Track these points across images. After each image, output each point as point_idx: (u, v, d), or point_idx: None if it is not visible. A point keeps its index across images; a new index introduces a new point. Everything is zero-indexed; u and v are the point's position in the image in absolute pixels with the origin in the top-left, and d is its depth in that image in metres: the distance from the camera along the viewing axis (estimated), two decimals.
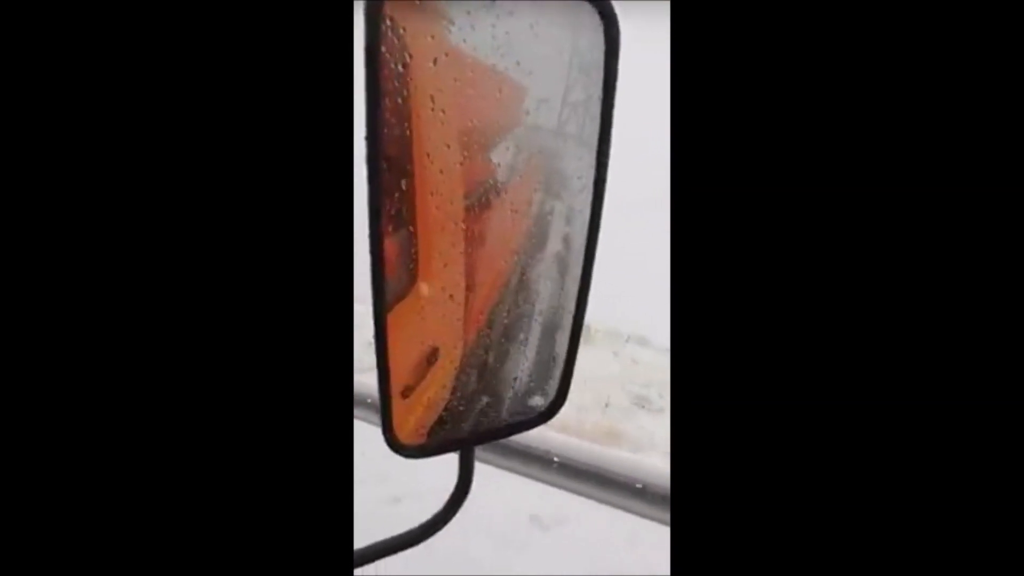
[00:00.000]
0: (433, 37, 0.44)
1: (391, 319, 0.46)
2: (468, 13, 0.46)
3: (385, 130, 0.40)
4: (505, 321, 0.65)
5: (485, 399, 0.64)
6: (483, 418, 0.63)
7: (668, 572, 0.48)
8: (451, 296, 0.54)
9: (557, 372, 0.66)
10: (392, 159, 0.42)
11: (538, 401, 0.67)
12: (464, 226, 0.53)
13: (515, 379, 0.67)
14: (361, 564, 0.56)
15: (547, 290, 0.66)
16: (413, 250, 0.48)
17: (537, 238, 0.65)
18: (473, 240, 0.54)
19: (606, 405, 3.90)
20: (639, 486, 2.36)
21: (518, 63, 0.52)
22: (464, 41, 0.46)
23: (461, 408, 0.60)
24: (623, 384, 4.23)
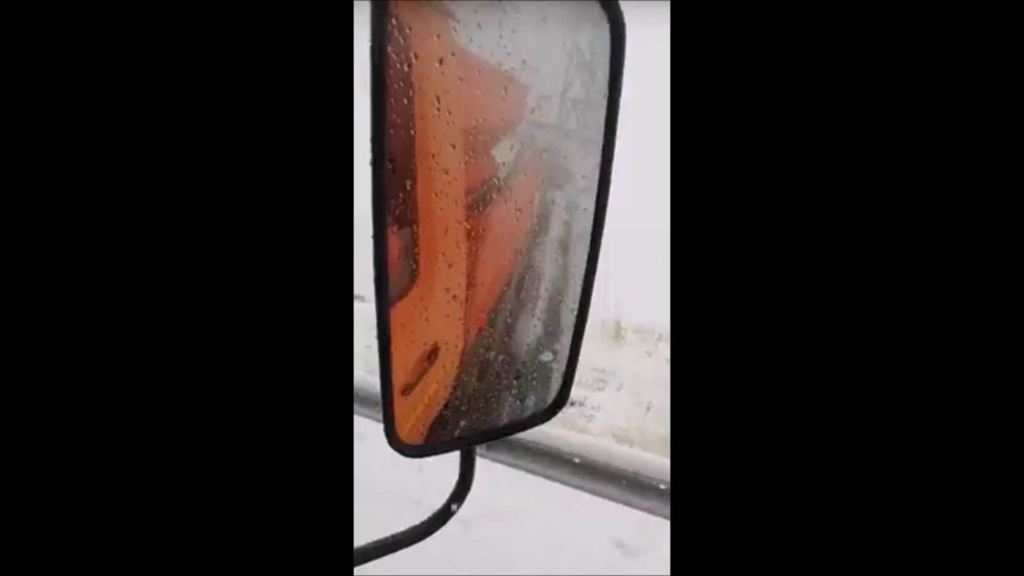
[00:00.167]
0: (439, 36, 0.44)
1: (393, 317, 0.46)
2: (474, 12, 0.46)
3: (391, 131, 0.40)
4: (507, 319, 0.65)
5: (486, 398, 0.64)
6: (484, 417, 0.63)
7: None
8: (454, 296, 0.54)
9: (559, 371, 0.66)
10: (397, 160, 0.42)
11: (540, 400, 0.67)
12: (467, 225, 0.53)
13: (517, 378, 0.67)
14: (364, 561, 0.57)
15: (550, 288, 0.66)
16: (416, 249, 0.48)
17: (540, 236, 0.65)
18: (476, 239, 0.54)
19: (648, 408, 3.81)
20: None
21: (524, 61, 0.52)
22: (470, 40, 0.46)
23: (462, 407, 0.60)
24: (662, 385, 4.08)
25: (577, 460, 2.25)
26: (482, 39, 0.47)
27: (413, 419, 0.54)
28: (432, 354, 0.57)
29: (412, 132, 0.42)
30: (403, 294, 0.48)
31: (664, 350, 4.52)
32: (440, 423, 0.58)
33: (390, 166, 0.41)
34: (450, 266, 0.52)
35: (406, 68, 0.41)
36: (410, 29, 0.40)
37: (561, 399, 0.68)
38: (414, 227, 0.46)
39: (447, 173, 0.47)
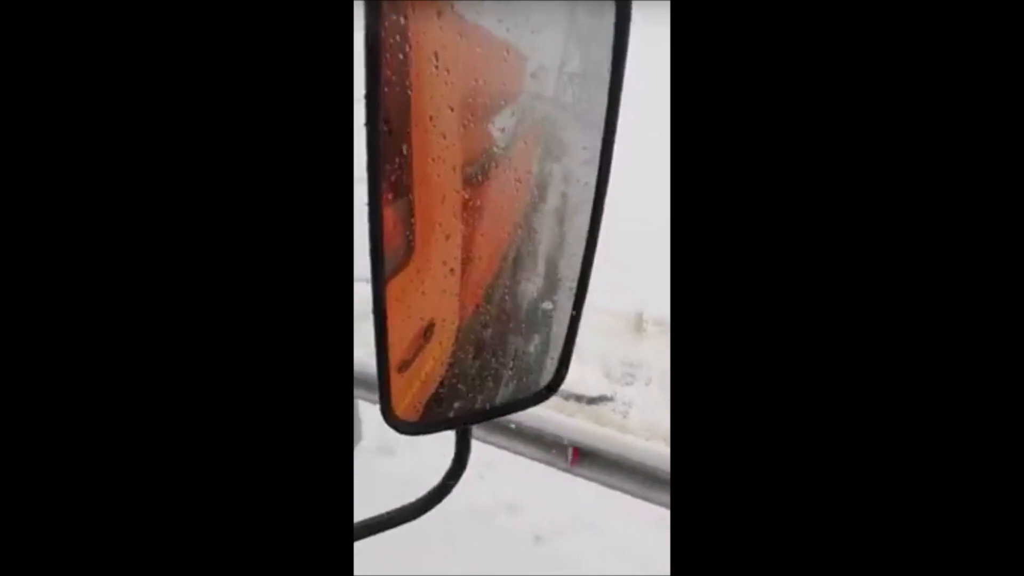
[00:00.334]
0: None
1: (389, 291, 0.44)
2: None
3: (385, 89, 0.38)
4: (504, 296, 0.64)
5: (482, 376, 0.62)
6: (481, 396, 0.61)
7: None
8: (451, 269, 0.52)
9: (557, 350, 0.64)
10: (392, 121, 0.40)
11: (537, 379, 0.66)
12: (465, 194, 0.50)
13: (514, 356, 0.65)
14: (361, 537, 0.55)
15: (549, 265, 0.65)
16: (412, 219, 0.45)
17: (539, 212, 0.63)
18: (473, 209, 0.52)
19: None
20: None
21: (527, 22, 0.50)
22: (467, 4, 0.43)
23: (459, 385, 0.58)
24: None
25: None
26: (480, 6, 0.45)
27: (409, 396, 0.52)
28: (428, 330, 0.55)
29: (409, 91, 0.40)
30: (400, 267, 0.46)
31: None
32: (436, 401, 0.56)
33: (385, 128, 0.39)
34: (447, 238, 0.50)
35: (402, 20, 0.38)
36: None
37: (557, 380, 0.67)
38: (410, 195, 0.44)
39: (445, 138, 0.45)
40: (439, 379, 0.58)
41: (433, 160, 0.44)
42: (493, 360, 0.63)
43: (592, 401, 2.76)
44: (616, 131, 0.58)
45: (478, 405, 0.62)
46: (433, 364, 0.57)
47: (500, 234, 0.60)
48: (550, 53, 0.55)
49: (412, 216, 0.45)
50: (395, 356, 0.47)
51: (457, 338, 0.58)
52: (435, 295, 0.52)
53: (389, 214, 0.42)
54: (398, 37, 0.38)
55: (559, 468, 2.46)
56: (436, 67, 0.41)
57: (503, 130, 0.55)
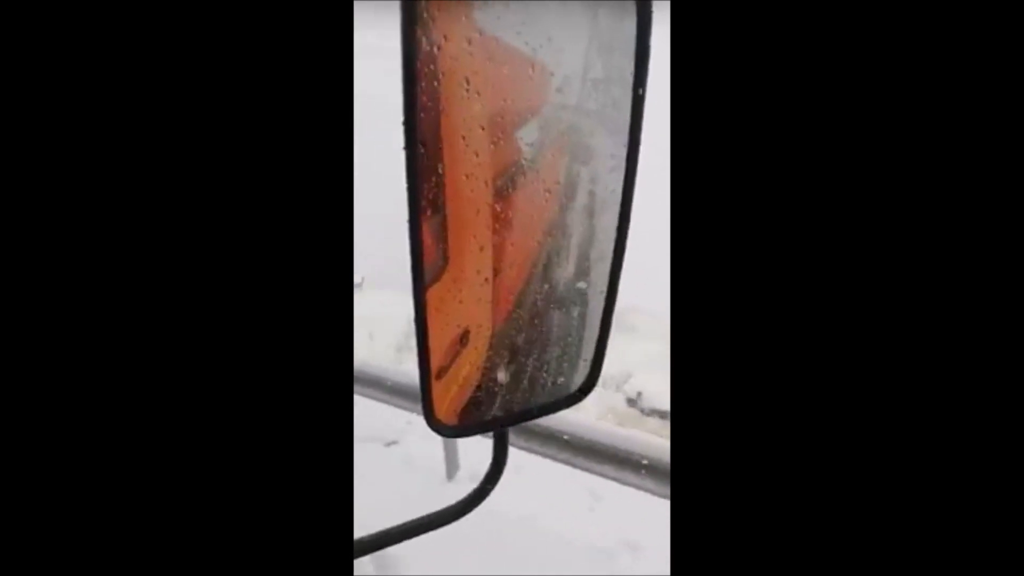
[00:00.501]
0: (467, 17, 0.44)
1: (429, 300, 0.46)
2: None
3: (421, 114, 0.41)
4: (536, 302, 0.66)
5: (517, 380, 0.64)
6: (516, 398, 0.64)
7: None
8: (485, 278, 0.54)
9: (589, 353, 0.66)
10: (428, 143, 0.43)
11: (570, 382, 0.68)
12: (497, 207, 0.53)
13: (547, 360, 0.67)
14: (400, 540, 0.58)
15: (578, 271, 0.66)
16: (448, 232, 0.48)
17: (568, 220, 0.65)
18: (505, 220, 0.54)
19: None
20: None
21: (548, 41, 0.52)
22: (497, 19, 0.46)
23: (495, 388, 0.61)
24: None
25: None
26: (509, 18, 0.47)
27: (448, 400, 0.55)
28: (464, 337, 0.57)
29: (442, 114, 0.43)
30: (437, 277, 0.49)
31: None
32: (474, 404, 0.59)
33: (422, 149, 0.42)
34: (481, 249, 0.52)
35: (435, 50, 0.41)
36: (438, 11, 0.41)
37: (590, 382, 0.68)
38: (446, 210, 0.47)
39: (477, 155, 0.48)
40: (475, 384, 0.60)
41: (467, 177, 0.47)
42: (527, 364, 0.65)
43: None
44: (641, 133, 0.59)
45: (514, 408, 0.64)
46: (469, 369, 0.59)
47: (531, 243, 0.62)
48: (573, 63, 0.57)
49: (448, 229, 0.48)
50: (435, 362, 0.50)
51: (491, 344, 0.61)
52: (471, 303, 0.54)
53: (427, 228, 0.45)
54: (432, 66, 0.40)
55: (664, 496, 2.16)
56: (467, 91, 0.44)
57: (531, 144, 0.57)
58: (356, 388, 2.75)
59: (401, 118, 0.40)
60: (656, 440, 2.19)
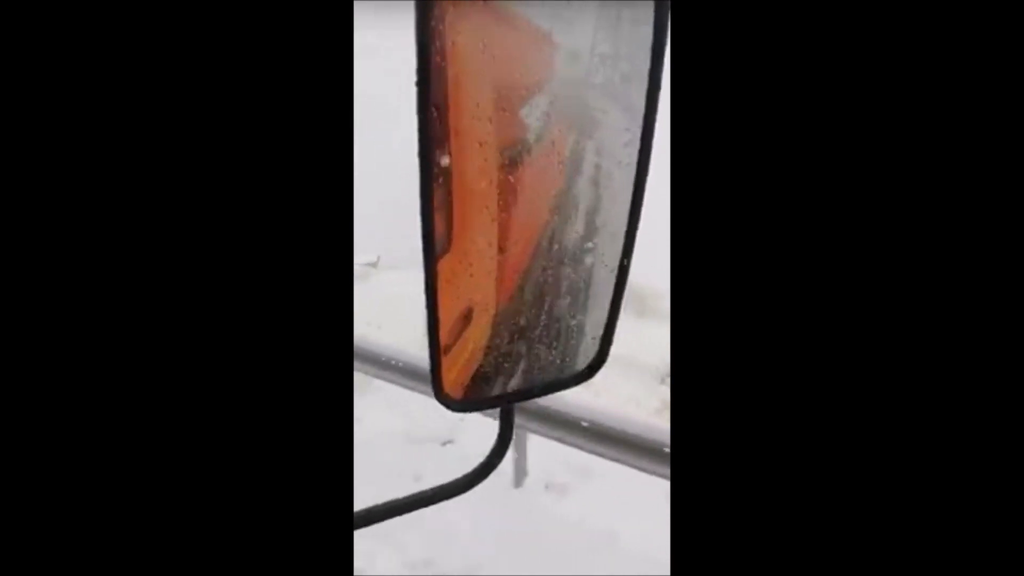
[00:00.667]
0: None
1: (439, 272, 0.45)
2: None
3: (435, 74, 0.39)
4: (543, 279, 0.65)
5: (524, 356, 0.64)
6: (523, 375, 0.63)
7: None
8: (495, 252, 0.53)
9: (599, 332, 0.65)
10: (441, 106, 0.41)
11: (578, 360, 0.67)
12: (508, 178, 0.52)
13: (554, 338, 0.66)
14: (405, 512, 0.58)
15: (588, 249, 0.65)
16: (460, 203, 0.47)
17: (578, 195, 0.63)
18: (514, 193, 0.53)
19: None
20: None
21: (557, 16, 0.51)
22: None
23: (504, 364, 0.60)
24: None
25: None
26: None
27: (455, 374, 0.54)
28: (471, 311, 0.57)
29: (456, 76, 0.41)
30: (447, 248, 0.48)
31: None
32: (481, 379, 0.58)
33: (435, 113, 0.40)
34: (492, 220, 0.51)
35: (450, 12, 0.39)
36: None
37: (599, 360, 0.68)
38: (459, 179, 0.45)
39: (490, 123, 0.46)
40: (481, 360, 0.60)
41: (480, 145, 0.46)
42: (533, 342, 0.65)
43: None
44: (655, 120, 0.58)
45: (521, 385, 0.63)
46: (476, 344, 0.58)
47: (538, 218, 0.61)
48: (582, 37, 0.55)
49: (460, 199, 0.47)
50: (444, 336, 0.49)
51: (496, 321, 0.60)
52: (481, 276, 0.54)
53: (439, 197, 0.44)
54: (445, 23, 0.39)
55: None
56: (483, 53, 0.42)
57: (541, 115, 0.56)
58: (406, 383, 2.75)
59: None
60: None
